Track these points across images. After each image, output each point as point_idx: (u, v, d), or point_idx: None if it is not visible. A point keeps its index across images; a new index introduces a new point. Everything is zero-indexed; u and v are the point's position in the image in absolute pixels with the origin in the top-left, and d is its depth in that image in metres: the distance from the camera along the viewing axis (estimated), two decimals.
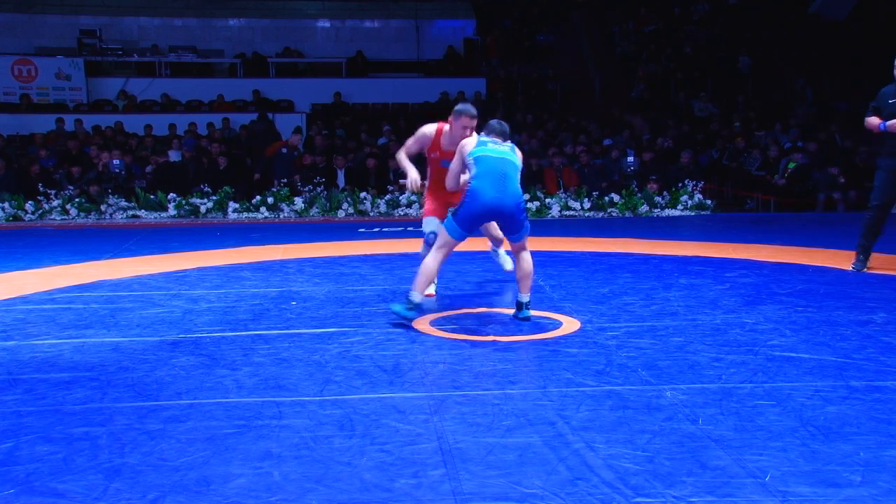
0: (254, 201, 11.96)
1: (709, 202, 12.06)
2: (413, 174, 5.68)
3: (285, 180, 12.31)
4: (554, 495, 2.72)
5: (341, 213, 11.88)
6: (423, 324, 5.11)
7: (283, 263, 7.54)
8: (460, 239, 5.05)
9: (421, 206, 11.70)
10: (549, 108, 17.28)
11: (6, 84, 16.89)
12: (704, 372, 4.05)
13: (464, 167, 5.12)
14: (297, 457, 3.06)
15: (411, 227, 10.23)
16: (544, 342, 4.68)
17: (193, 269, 7.28)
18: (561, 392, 3.76)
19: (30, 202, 11.73)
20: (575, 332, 4.89)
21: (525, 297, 5.18)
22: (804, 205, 12.31)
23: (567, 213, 11.75)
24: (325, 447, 3.14)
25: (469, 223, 4.98)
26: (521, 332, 4.91)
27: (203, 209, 11.87)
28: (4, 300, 5.96)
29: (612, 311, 5.40)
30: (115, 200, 12.03)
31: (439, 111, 16.54)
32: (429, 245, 5.43)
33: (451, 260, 7.27)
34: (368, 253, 8.13)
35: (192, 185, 12.34)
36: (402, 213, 11.87)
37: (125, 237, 9.68)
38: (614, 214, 11.77)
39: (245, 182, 12.83)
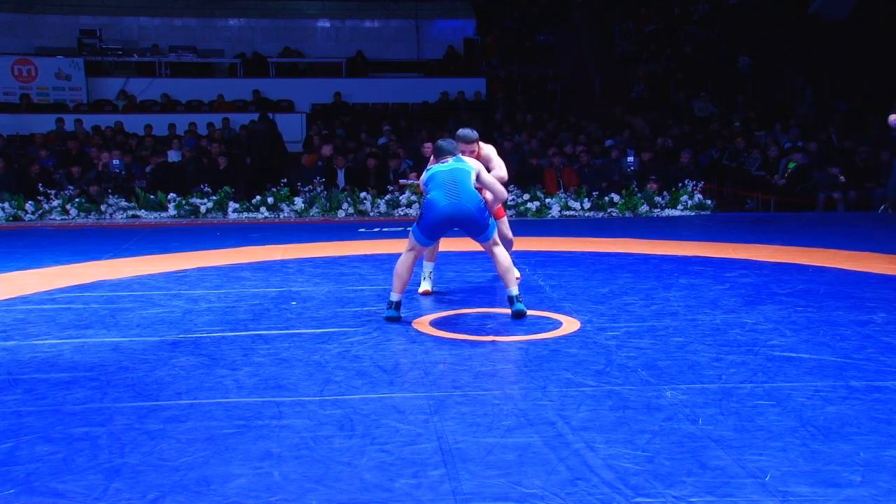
0: (254, 201, 11.97)
1: (709, 202, 12.06)
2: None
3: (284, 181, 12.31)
4: (554, 495, 2.72)
5: (341, 213, 11.88)
6: (423, 324, 5.11)
7: (283, 263, 7.54)
8: (426, 245, 5.36)
9: (421, 207, 11.74)
10: (549, 108, 17.28)
11: (6, 84, 16.89)
12: (704, 372, 4.05)
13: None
14: (297, 457, 3.06)
15: (411, 228, 10.22)
16: (544, 342, 4.68)
17: (193, 269, 7.28)
18: (561, 392, 3.76)
19: (30, 202, 11.73)
20: (575, 332, 4.89)
21: (513, 291, 5.24)
22: (804, 205, 12.31)
23: (567, 213, 11.75)
24: (325, 447, 3.14)
25: (430, 231, 5.24)
26: (521, 332, 4.91)
27: (203, 209, 11.87)
28: (4, 300, 5.96)
29: (612, 311, 5.40)
30: (115, 200, 12.03)
31: (439, 111, 16.58)
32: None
33: (452, 260, 7.29)
34: (368, 253, 8.13)
35: (191, 186, 12.34)
36: (402, 213, 11.86)
37: (125, 237, 9.68)
38: (614, 214, 11.77)
39: (245, 182, 12.84)
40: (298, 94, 17.23)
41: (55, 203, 11.76)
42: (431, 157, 5.53)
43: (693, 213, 11.80)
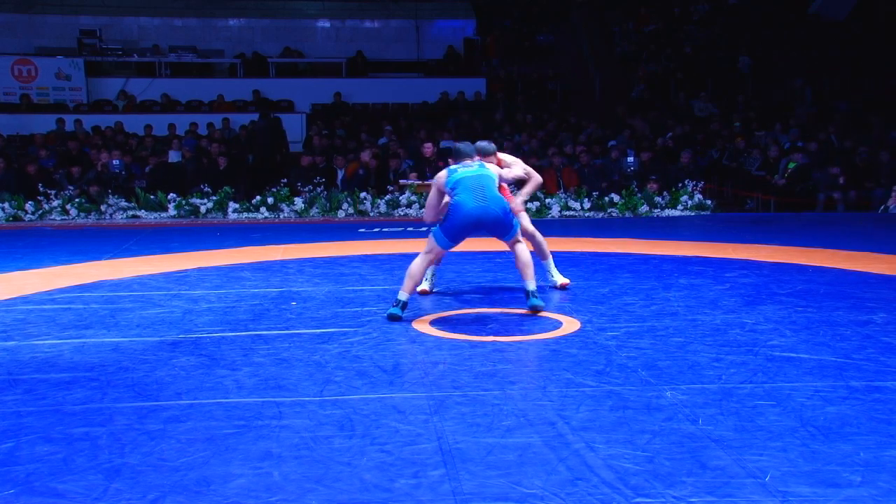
0: (254, 201, 11.97)
1: (709, 202, 12.06)
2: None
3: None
4: (554, 495, 2.72)
5: (341, 214, 11.88)
6: (423, 324, 5.11)
7: (283, 263, 7.54)
8: (446, 248, 5.39)
9: (421, 207, 11.75)
10: (549, 108, 17.28)
11: (6, 84, 16.89)
12: (704, 372, 4.04)
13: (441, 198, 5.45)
14: (297, 457, 3.06)
15: (411, 228, 10.23)
16: (544, 342, 4.69)
17: (193, 269, 7.28)
18: (561, 392, 3.76)
19: (30, 202, 11.73)
20: (575, 332, 4.89)
21: (531, 286, 5.37)
22: (804, 205, 12.30)
23: (567, 213, 11.75)
24: (325, 447, 3.14)
25: (454, 233, 5.28)
26: (521, 332, 4.91)
27: (203, 209, 11.87)
28: (5, 300, 5.96)
29: (612, 312, 5.40)
30: (115, 200, 12.03)
31: (439, 111, 16.58)
32: None
33: (452, 260, 7.29)
34: (368, 253, 8.13)
35: (190, 186, 12.34)
36: (401, 214, 11.87)
37: (125, 237, 9.68)
38: (614, 214, 11.77)
39: (246, 181, 12.84)
40: (298, 94, 17.23)
41: (55, 203, 11.76)
42: (450, 160, 5.55)
43: (693, 214, 11.80)
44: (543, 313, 5.34)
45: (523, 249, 5.45)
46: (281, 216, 11.87)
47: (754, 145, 14.03)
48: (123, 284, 6.57)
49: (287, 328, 5.04)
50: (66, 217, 11.68)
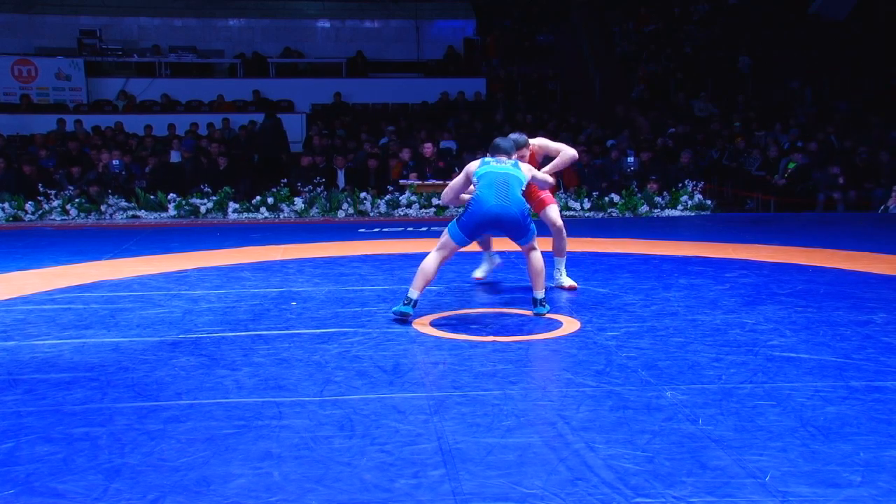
0: (254, 201, 11.97)
1: (709, 202, 12.06)
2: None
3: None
4: (554, 495, 2.72)
5: (341, 214, 11.88)
6: (423, 324, 5.11)
7: (283, 263, 7.54)
8: (461, 244, 5.26)
9: (421, 207, 11.76)
10: (549, 108, 17.28)
11: (6, 84, 16.89)
12: (704, 372, 4.04)
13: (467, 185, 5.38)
14: (297, 457, 3.06)
15: (411, 228, 10.23)
16: (544, 342, 4.69)
17: (193, 269, 7.28)
18: (561, 392, 3.76)
19: (30, 202, 11.73)
20: (575, 332, 4.89)
21: (539, 294, 5.32)
22: (804, 205, 12.31)
23: (567, 213, 11.73)
24: (325, 447, 3.14)
25: (472, 229, 5.18)
26: (521, 332, 4.91)
27: (203, 209, 11.87)
28: (4, 300, 5.96)
29: (612, 312, 5.40)
30: (115, 201, 12.03)
31: (439, 111, 16.58)
32: None
33: (452, 260, 7.27)
34: (368, 253, 8.13)
35: (190, 186, 12.35)
36: (402, 214, 11.87)
37: (125, 237, 9.68)
38: (614, 214, 11.77)
39: (250, 179, 12.85)
40: (298, 95, 17.23)
41: (55, 203, 11.76)
42: (488, 154, 5.44)
43: (693, 214, 11.80)
44: (544, 314, 5.34)
45: (537, 257, 5.33)
46: (281, 216, 11.86)
47: (754, 145, 14.03)
48: (123, 284, 6.57)
49: (287, 328, 5.04)
50: (66, 217, 11.68)
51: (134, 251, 8.45)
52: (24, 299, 5.99)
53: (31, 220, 11.59)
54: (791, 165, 12.71)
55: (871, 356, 4.29)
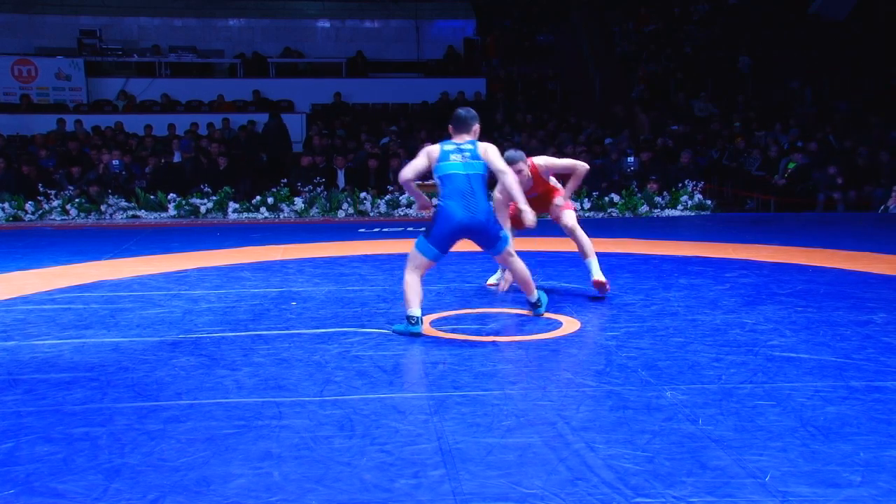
0: (254, 201, 11.97)
1: (709, 202, 12.06)
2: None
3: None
4: (554, 495, 2.72)
5: (341, 214, 11.88)
6: (423, 324, 5.10)
7: (283, 263, 7.54)
8: (435, 259, 4.99)
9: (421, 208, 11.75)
10: (549, 108, 17.28)
11: (6, 84, 16.89)
12: (704, 372, 4.04)
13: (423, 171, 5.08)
14: (297, 457, 3.06)
15: (411, 228, 10.23)
16: (544, 342, 4.68)
17: (193, 269, 7.28)
18: (561, 392, 3.76)
19: (30, 202, 11.74)
20: (575, 332, 4.89)
21: (533, 297, 5.27)
22: (804, 205, 12.31)
23: None
24: (325, 447, 3.14)
25: (442, 242, 4.93)
26: (521, 332, 4.91)
27: (203, 209, 11.87)
28: (4, 300, 5.96)
29: (612, 311, 5.40)
30: (115, 201, 12.04)
31: (439, 111, 16.56)
32: None
33: (452, 260, 7.28)
34: (368, 253, 8.13)
35: (190, 186, 12.35)
36: (401, 214, 11.87)
37: (125, 237, 9.68)
38: (614, 214, 11.77)
39: (255, 177, 12.86)
40: (298, 95, 17.23)
41: (55, 203, 11.77)
42: (450, 127, 5.13)
43: (693, 214, 11.80)
44: (544, 313, 5.34)
45: (517, 264, 5.15)
46: (281, 216, 11.87)
47: (754, 145, 14.03)
48: (123, 284, 6.57)
49: (287, 328, 5.04)
50: (66, 217, 11.69)
51: (134, 251, 8.45)
52: (24, 299, 5.99)
53: (31, 220, 11.59)
54: (791, 165, 12.72)
55: (871, 356, 4.28)
